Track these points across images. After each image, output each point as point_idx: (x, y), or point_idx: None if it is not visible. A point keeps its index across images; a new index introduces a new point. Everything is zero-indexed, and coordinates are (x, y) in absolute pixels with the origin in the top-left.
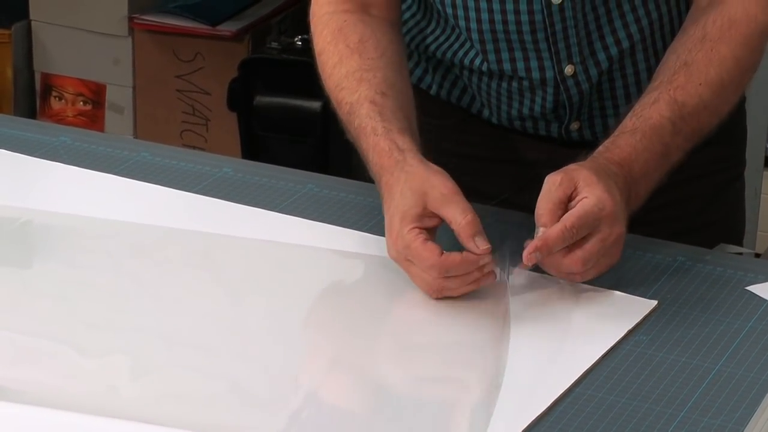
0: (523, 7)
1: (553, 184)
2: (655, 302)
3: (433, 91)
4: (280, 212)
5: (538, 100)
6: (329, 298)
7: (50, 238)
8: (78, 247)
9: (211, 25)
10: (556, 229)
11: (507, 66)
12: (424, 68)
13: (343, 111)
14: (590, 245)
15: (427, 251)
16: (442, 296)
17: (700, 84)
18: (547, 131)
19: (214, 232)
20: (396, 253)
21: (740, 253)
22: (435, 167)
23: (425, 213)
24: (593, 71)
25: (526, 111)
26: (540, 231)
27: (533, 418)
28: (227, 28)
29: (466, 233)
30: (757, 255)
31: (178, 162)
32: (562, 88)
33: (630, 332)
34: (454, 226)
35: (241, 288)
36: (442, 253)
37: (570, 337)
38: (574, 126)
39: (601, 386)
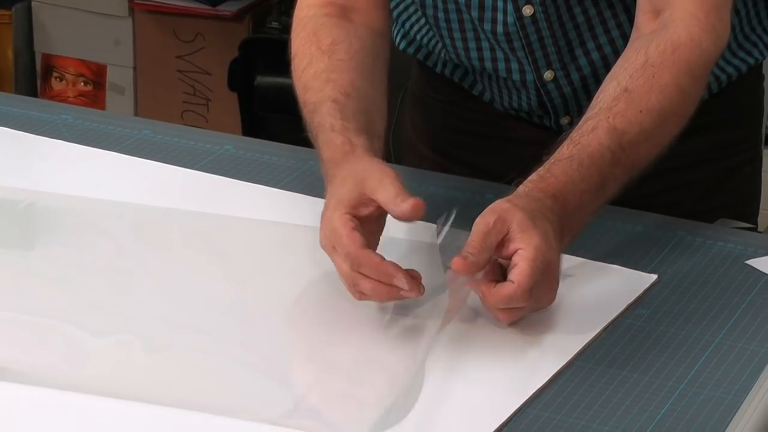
0: (499, 17)
1: (485, 226)
2: (655, 276)
3: (438, 70)
4: (281, 189)
5: (523, 98)
6: (333, 275)
7: (53, 220)
8: (81, 228)
9: (211, 5)
10: (507, 289)
11: (489, 65)
12: (430, 49)
13: (307, 111)
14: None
15: (350, 239)
16: (361, 298)
17: (641, 111)
18: (540, 121)
19: (216, 209)
20: (323, 239)
21: (740, 228)
22: (382, 162)
23: (361, 199)
24: (575, 75)
25: (515, 105)
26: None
27: (534, 390)
28: (227, 8)
29: (395, 202)
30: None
31: (179, 140)
32: (542, 91)
33: (630, 306)
34: (388, 205)
35: (243, 267)
36: (364, 248)
37: (571, 311)
38: (565, 120)
39: (602, 359)
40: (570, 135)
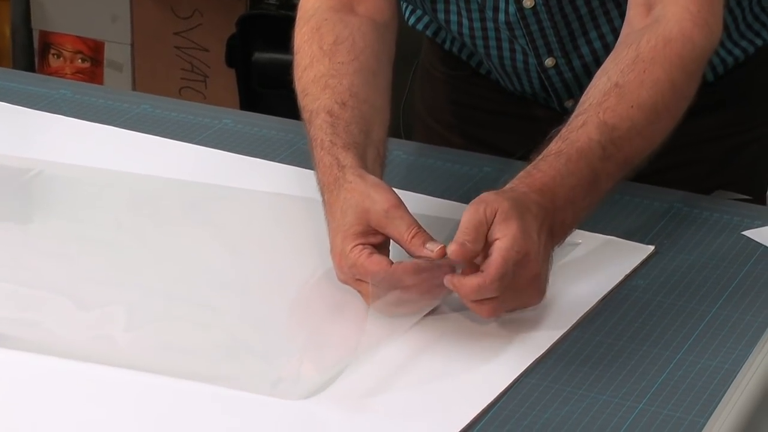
0: (501, 5)
1: (476, 213)
2: (652, 247)
3: (446, 46)
4: (279, 162)
5: (525, 82)
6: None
7: (52, 192)
8: (79, 200)
9: None
10: (475, 280)
11: (494, 52)
12: (438, 26)
13: (304, 118)
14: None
15: (375, 264)
16: (414, 310)
17: (632, 106)
18: (545, 103)
19: (214, 182)
20: (344, 275)
21: (737, 199)
22: (373, 179)
23: (368, 230)
24: (576, 63)
25: (518, 87)
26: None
27: (533, 360)
28: None
29: (416, 245)
30: None
31: (178, 114)
32: (543, 76)
33: (627, 277)
34: (402, 244)
35: (240, 239)
36: (392, 263)
37: (569, 282)
38: (569, 103)
39: (599, 329)
40: (559, 131)
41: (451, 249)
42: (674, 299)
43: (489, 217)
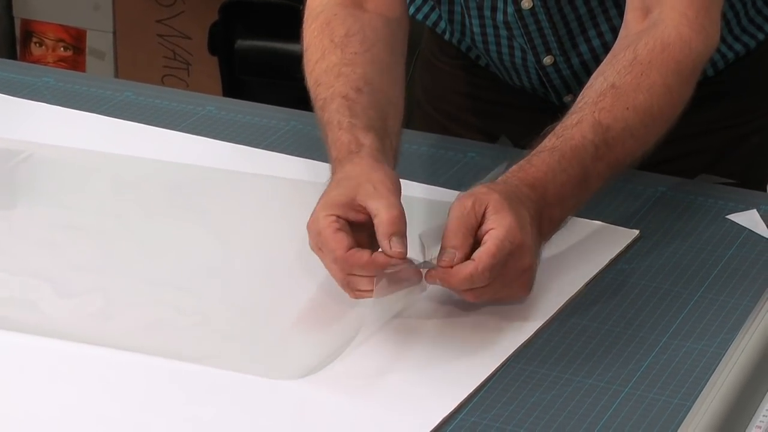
0: (499, 5)
1: (463, 209)
2: (636, 232)
3: (446, 37)
4: (263, 149)
5: (524, 78)
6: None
7: (37, 176)
8: (64, 183)
9: None
10: (467, 269)
11: (493, 48)
12: (439, 15)
13: (317, 107)
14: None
15: (335, 242)
16: (358, 296)
17: (627, 108)
18: (544, 97)
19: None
20: (311, 240)
21: (721, 183)
22: (384, 166)
23: (351, 204)
24: (575, 60)
25: (517, 82)
26: (449, 253)
27: (518, 345)
28: None
29: (384, 230)
30: None
31: (161, 101)
32: (542, 73)
33: (612, 261)
34: (375, 221)
35: (224, 223)
36: (351, 249)
37: (554, 267)
38: (568, 98)
39: (585, 314)
40: (554, 128)
41: (443, 264)
42: (659, 283)
43: (478, 212)
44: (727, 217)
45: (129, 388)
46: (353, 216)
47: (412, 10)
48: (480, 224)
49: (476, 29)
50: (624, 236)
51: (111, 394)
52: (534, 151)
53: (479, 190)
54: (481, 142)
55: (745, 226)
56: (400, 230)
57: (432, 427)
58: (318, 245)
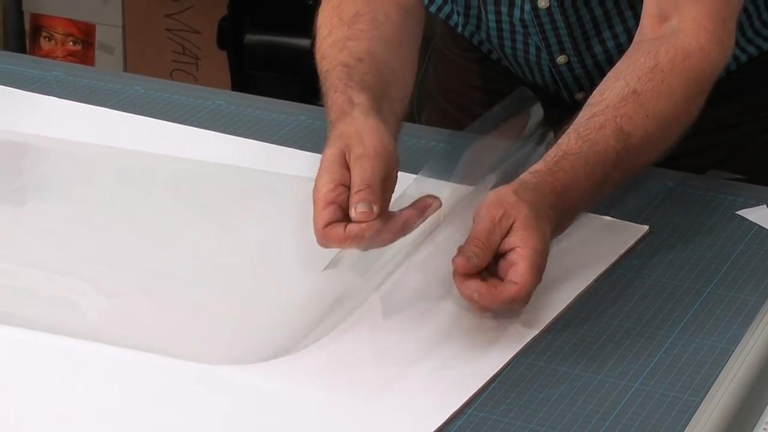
0: (517, 2)
1: (492, 218)
2: (646, 227)
3: (459, 30)
4: (273, 144)
5: (537, 74)
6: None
7: (45, 169)
8: (72, 177)
9: None
10: (511, 291)
11: (508, 43)
12: (452, 8)
13: (322, 79)
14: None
15: (318, 216)
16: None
17: (648, 116)
18: (556, 93)
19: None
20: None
21: (731, 179)
22: (376, 121)
23: (344, 163)
24: (589, 61)
25: (529, 78)
26: (469, 255)
27: (528, 340)
28: None
29: (352, 201)
30: None
31: (170, 95)
32: (554, 71)
33: (622, 257)
34: (352, 189)
35: (232, 218)
36: (329, 224)
37: (563, 262)
38: (579, 96)
39: (594, 309)
40: (576, 127)
41: (457, 261)
42: (669, 279)
43: (505, 226)
44: (738, 212)
45: (138, 386)
46: (348, 176)
47: (426, 1)
48: (506, 233)
49: (492, 24)
50: (634, 232)
51: (125, 390)
52: (561, 152)
53: (508, 199)
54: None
55: (755, 221)
56: (366, 197)
57: (441, 422)
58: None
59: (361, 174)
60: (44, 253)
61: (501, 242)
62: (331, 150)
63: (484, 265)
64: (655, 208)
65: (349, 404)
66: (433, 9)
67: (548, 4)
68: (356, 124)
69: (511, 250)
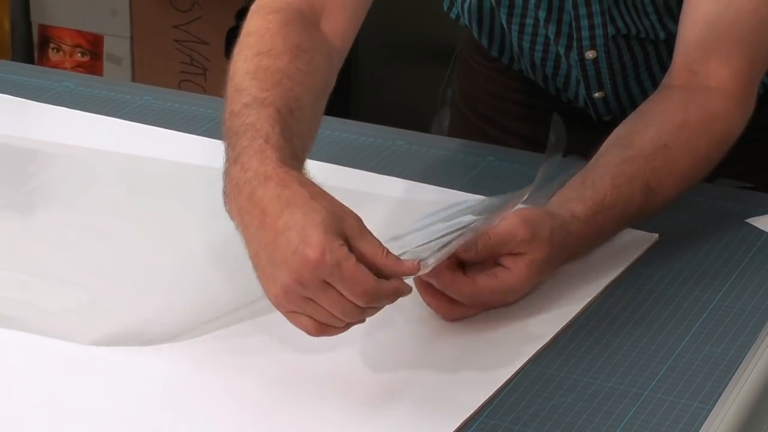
0: (561, 53)
1: (511, 236)
2: (656, 235)
3: (481, 42)
4: None
5: (571, 100)
6: None
7: (54, 177)
8: (81, 185)
9: None
10: (467, 286)
11: (550, 72)
12: (478, 34)
13: (239, 97)
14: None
15: (362, 273)
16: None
17: (671, 173)
18: (584, 111)
19: (216, 173)
20: (314, 273)
21: (740, 187)
22: (327, 194)
23: (343, 237)
24: (624, 95)
25: (563, 100)
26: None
27: (538, 348)
28: None
29: (393, 260)
30: None
31: (180, 105)
32: (589, 103)
33: (631, 265)
34: (375, 259)
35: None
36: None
37: (573, 271)
38: (607, 118)
39: (604, 317)
40: (609, 169)
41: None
42: (678, 287)
43: (517, 248)
44: (747, 221)
45: (134, 389)
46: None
47: (446, 5)
48: (512, 253)
49: (537, 54)
50: (643, 240)
51: (125, 393)
52: (599, 201)
53: (541, 233)
54: (506, 147)
55: (764, 230)
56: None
57: (453, 429)
58: (328, 280)
59: (378, 242)
60: (51, 260)
61: (501, 255)
62: (330, 219)
63: (474, 261)
64: (665, 217)
65: (363, 414)
66: (453, 14)
67: (595, 56)
68: (322, 193)
69: (502, 264)
